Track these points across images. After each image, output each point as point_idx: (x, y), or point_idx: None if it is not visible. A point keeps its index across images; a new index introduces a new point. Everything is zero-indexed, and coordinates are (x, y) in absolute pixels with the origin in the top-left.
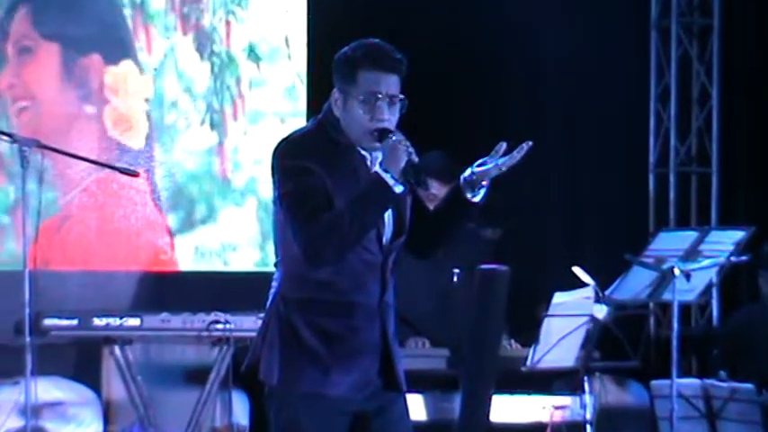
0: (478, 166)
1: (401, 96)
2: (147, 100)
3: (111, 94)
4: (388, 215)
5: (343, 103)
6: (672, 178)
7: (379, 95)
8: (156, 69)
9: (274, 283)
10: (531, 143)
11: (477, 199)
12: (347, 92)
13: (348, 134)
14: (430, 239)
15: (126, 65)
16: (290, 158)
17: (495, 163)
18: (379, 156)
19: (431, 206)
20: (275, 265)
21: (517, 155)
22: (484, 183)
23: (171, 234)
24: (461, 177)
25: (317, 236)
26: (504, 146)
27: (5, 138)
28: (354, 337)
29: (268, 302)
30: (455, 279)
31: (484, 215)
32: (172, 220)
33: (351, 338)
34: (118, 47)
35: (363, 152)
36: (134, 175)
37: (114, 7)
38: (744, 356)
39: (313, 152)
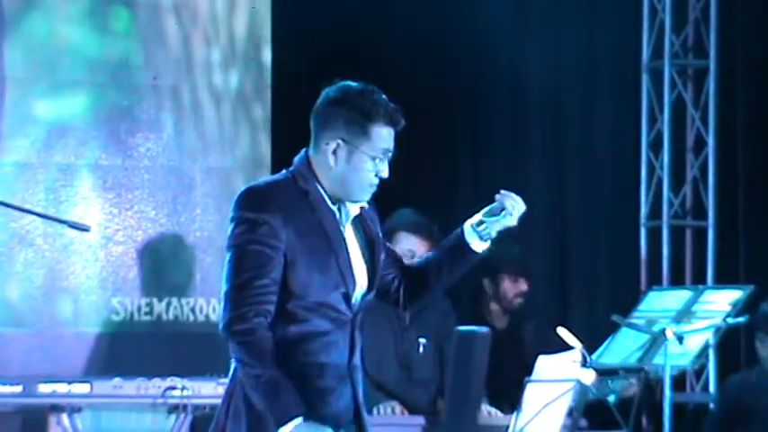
0: (488, 215)
1: None
2: None
3: None
4: (361, 271)
5: (349, 157)
6: (665, 232)
7: (390, 152)
8: None
9: None
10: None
11: (482, 250)
12: (356, 145)
13: (339, 188)
14: (420, 292)
15: None
16: (251, 211)
17: (506, 212)
18: (351, 210)
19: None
20: None
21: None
22: (493, 233)
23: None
24: (468, 226)
25: (241, 318)
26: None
27: None
28: (326, 402)
29: (231, 370)
30: (420, 349)
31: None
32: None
33: (322, 403)
34: None
35: (332, 206)
36: (84, 230)
37: None
38: (741, 427)
39: (279, 204)
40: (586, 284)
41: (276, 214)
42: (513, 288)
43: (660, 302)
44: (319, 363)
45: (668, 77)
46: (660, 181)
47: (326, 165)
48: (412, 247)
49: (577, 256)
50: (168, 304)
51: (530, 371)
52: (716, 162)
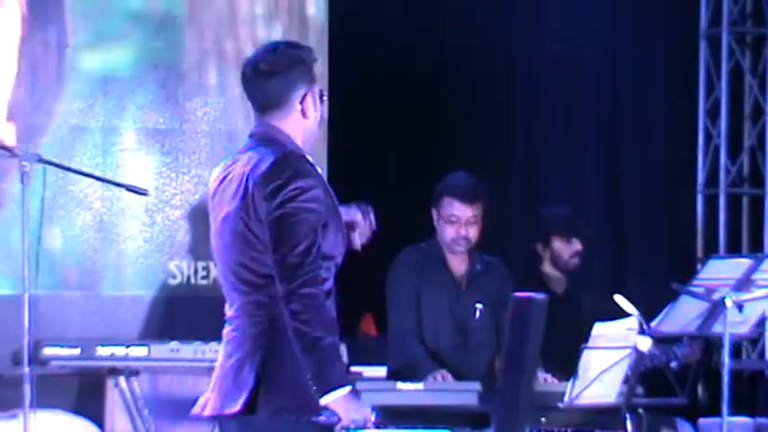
0: None
1: None
2: None
3: None
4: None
5: (314, 104)
6: (722, 200)
7: None
8: None
9: (259, 311)
10: None
11: None
12: (314, 90)
13: (310, 137)
14: None
15: None
16: (298, 177)
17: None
18: None
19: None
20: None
21: None
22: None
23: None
24: None
25: (308, 282)
26: None
27: (3, 152)
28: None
29: (252, 331)
30: (477, 314)
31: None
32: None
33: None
34: None
35: None
36: (143, 194)
37: None
38: None
39: (310, 170)
40: (643, 252)
41: (316, 179)
42: (567, 249)
43: (720, 270)
44: (334, 318)
45: (726, 45)
46: (717, 149)
47: (300, 122)
48: (455, 212)
49: (634, 224)
50: None
51: (586, 338)
52: None
